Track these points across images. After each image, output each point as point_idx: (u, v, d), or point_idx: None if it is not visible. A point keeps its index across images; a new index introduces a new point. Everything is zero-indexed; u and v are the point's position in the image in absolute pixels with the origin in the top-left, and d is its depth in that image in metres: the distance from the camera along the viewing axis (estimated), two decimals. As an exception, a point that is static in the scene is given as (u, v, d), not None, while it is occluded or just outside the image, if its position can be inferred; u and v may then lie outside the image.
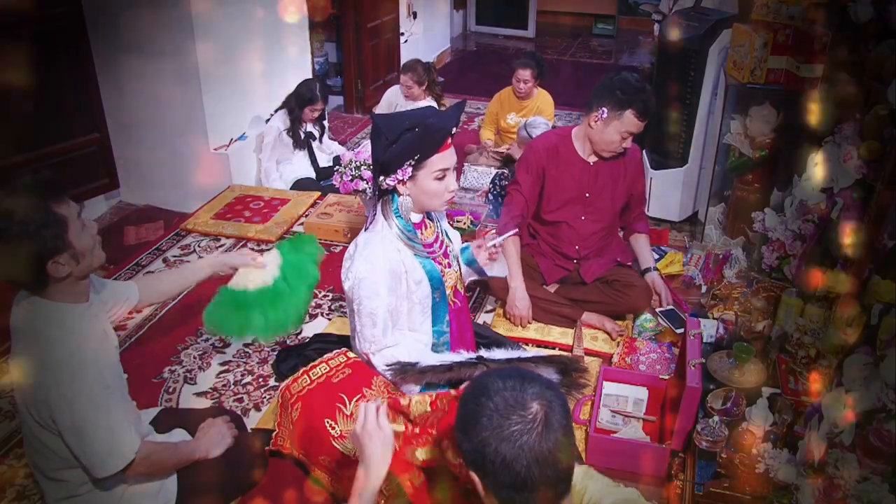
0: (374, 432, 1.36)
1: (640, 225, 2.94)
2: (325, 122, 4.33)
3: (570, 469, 1.09)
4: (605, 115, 2.54)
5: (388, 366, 1.99)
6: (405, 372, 1.94)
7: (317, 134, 4.24)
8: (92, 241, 1.62)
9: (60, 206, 1.55)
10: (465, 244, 2.27)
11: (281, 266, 2.04)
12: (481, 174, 4.28)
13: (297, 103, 4.02)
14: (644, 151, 4.01)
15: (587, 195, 2.74)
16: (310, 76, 4.71)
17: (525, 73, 4.12)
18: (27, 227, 1.48)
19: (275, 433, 2.12)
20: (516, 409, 1.04)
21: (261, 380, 2.58)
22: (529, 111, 4.22)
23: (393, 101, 4.53)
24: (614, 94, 2.50)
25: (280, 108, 4.09)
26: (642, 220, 2.96)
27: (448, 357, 1.98)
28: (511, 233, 2.37)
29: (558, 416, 1.05)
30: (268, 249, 2.13)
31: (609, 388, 2.38)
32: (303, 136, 4.12)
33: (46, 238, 1.50)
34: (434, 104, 4.41)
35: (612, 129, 2.55)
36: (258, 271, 2.02)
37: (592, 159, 2.71)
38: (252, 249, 3.48)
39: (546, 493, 1.05)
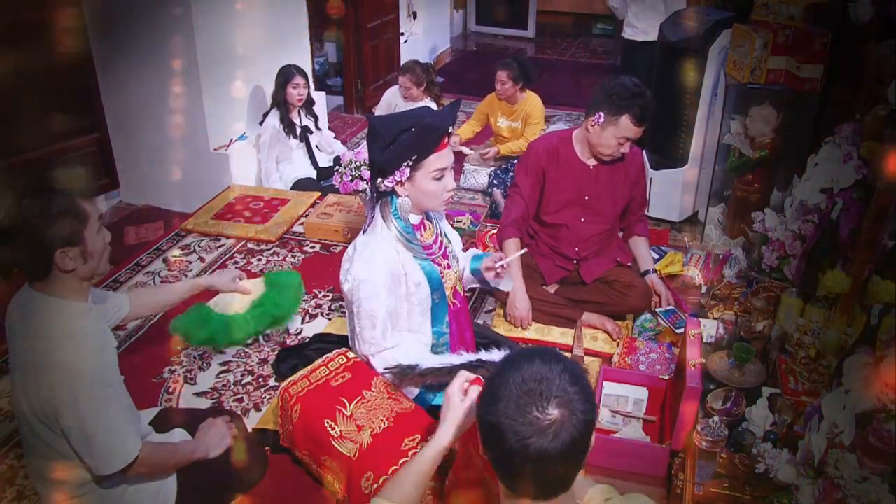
0: (462, 398, 1.47)
1: (640, 227, 2.93)
2: (318, 112, 4.31)
3: (568, 476, 1.08)
4: (601, 120, 2.52)
5: (387, 368, 2.00)
6: (405, 375, 1.94)
7: (311, 126, 4.23)
8: (103, 247, 1.65)
9: (86, 202, 1.59)
10: (474, 255, 2.29)
11: (260, 299, 2.21)
12: (481, 174, 4.28)
13: (279, 89, 4.03)
14: (644, 152, 4.02)
15: (587, 198, 2.74)
16: (310, 76, 4.71)
17: (501, 75, 4.10)
18: (49, 210, 1.51)
19: (281, 433, 2.12)
20: (536, 407, 1.02)
21: (261, 380, 2.58)
22: (518, 115, 4.23)
23: (392, 101, 4.53)
24: (611, 98, 2.48)
25: (271, 106, 4.09)
26: (642, 222, 2.95)
27: (448, 359, 1.98)
28: (520, 252, 2.39)
29: (574, 429, 1.02)
30: (256, 279, 2.29)
31: (609, 388, 2.37)
32: (298, 128, 4.12)
33: (63, 227, 1.53)
34: (433, 104, 4.41)
35: (608, 133, 2.53)
36: (237, 299, 2.17)
37: (592, 162, 2.70)
38: (252, 250, 3.48)
39: (538, 487, 1.06)
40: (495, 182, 4.08)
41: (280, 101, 4.03)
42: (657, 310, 2.81)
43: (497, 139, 4.38)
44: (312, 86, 4.31)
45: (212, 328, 2.15)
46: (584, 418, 1.03)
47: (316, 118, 4.28)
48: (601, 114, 2.52)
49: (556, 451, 1.01)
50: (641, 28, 4.71)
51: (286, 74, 4.00)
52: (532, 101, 4.23)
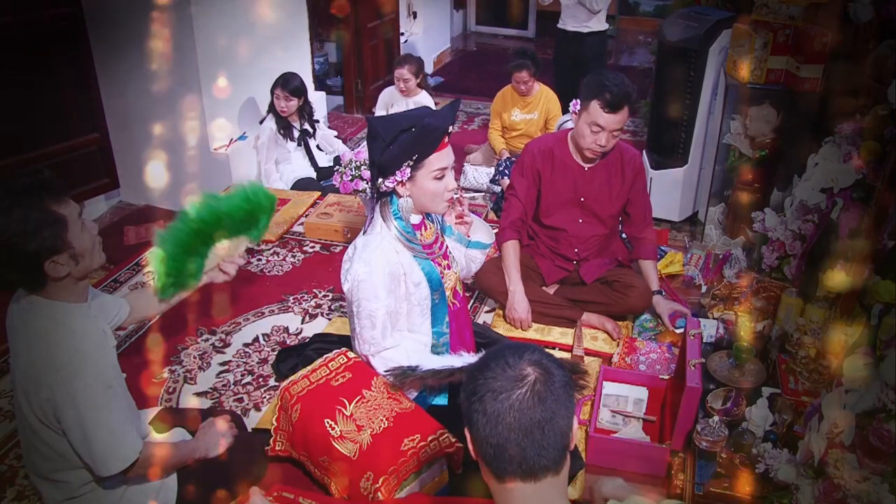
0: None
1: (646, 250, 2.83)
2: (317, 120, 4.29)
3: (555, 446, 1.06)
4: (577, 108, 2.57)
5: (387, 370, 2.00)
6: (405, 376, 1.94)
7: (311, 131, 4.22)
8: (91, 242, 1.63)
9: (60, 205, 1.55)
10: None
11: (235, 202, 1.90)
12: (481, 174, 4.28)
13: (271, 94, 4.02)
14: (644, 152, 4.02)
15: (582, 199, 2.73)
16: (310, 76, 4.70)
17: (522, 75, 4.13)
18: (25, 226, 1.48)
19: (272, 438, 2.11)
20: (513, 368, 1.06)
21: (261, 380, 2.58)
22: (534, 107, 4.23)
23: (388, 101, 4.52)
24: (585, 86, 2.51)
25: (267, 111, 4.09)
26: (649, 244, 2.84)
27: (448, 360, 1.98)
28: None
29: (553, 388, 1.06)
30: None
31: (609, 388, 2.38)
32: (296, 132, 4.11)
33: (45, 237, 1.50)
34: (430, 98, 4.42)
35: (581, 121, 2.54)
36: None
37: (587, 163, 2.71)
38: (252, 250, 3.48)
39: (522, 460, 1.05)
40: (505, 171, 4.05)
41: (271, 106, 4.02)
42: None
43: (507, 134, 4.35)
44: (312, 88, 4.28)
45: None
46: (562, 380, 1.08)
47: (312, 123, 4.24)
48: (577, 101, 2.56)
49: (535, 411, 1.03)
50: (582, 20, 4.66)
51: (274, 82, 3.98)
52: (548, 94, 4.25)
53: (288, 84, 3.96)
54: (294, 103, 3.99)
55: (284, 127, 4.04)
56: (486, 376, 1.07)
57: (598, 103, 2.47)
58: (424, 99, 4.43)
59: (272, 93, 3.97)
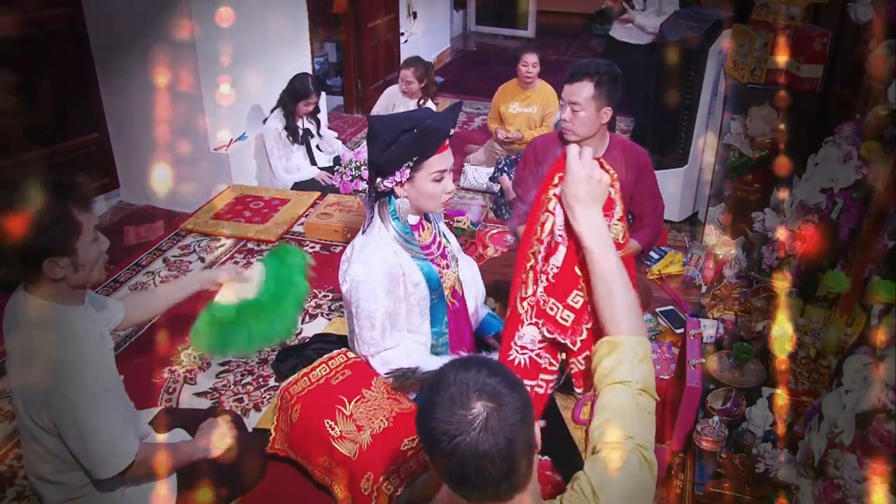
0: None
1: (640, 234, 2.71)
2: (320, 117, 4.33)
3: (513, 469, 1.03)
4: None
5: (387, 372, 2.00)
6: (405, 378, 1.94)
7: (313, 130, 4.24)
8: (97, 257, 1.62)
9: (82, 212, 1.55)
10: (489, 314, 2.35)
11: (265, 278, 2.02)
12: (481, 174, 4.27)
13: (290, 98, 4.01)
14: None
15: None
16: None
17: (532, 57, 4.15)
18: (41, 219, 1.48)
19: (272, 437, 2.11)
20: (460, 406, 1.02)
21: (261, 380, 2.58)
22: (532, 101, 4.23)
23: (391, 100, 4.51)
24: None
25: (275, 107, 4.09)
26: (646, 230, 2.72)
27: (448, 361, 1.97)
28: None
29: (506, 417, 1.01)
30: (255, 262, 2.11)
31: (609, 388, 2.37)
32: (300, 132, 4.12)
33: (54, 236, 1.51)
34: (433, 107, 4.41)
35: None
36: (243, 285, 2.01)
37: None
38: (252, 250, 3.48)
39: (486, 489, 1.03)
40: (505, 168, 4.04)
41: (289, 110, 4.02)
42: (657, 309, 2.81)
43: (504, 127, 4.35)
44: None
45: (240, 319, 1.96)
46: (514, 404, 1.02)
47: (318, 124, 4.27)
48: None
49: (489, 445, 1.00)
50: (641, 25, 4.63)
51: (304, 91, 3.98)
52: (547, 90, 4.25)
53: (318, 87, 4.06)
54: (316, 101, 4.10)
55: (290, 127, 4.05)
56: (435, 418, 1.02)
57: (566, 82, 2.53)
58: (427, 103, 4.43)
59: (295, 100, 3.98)
